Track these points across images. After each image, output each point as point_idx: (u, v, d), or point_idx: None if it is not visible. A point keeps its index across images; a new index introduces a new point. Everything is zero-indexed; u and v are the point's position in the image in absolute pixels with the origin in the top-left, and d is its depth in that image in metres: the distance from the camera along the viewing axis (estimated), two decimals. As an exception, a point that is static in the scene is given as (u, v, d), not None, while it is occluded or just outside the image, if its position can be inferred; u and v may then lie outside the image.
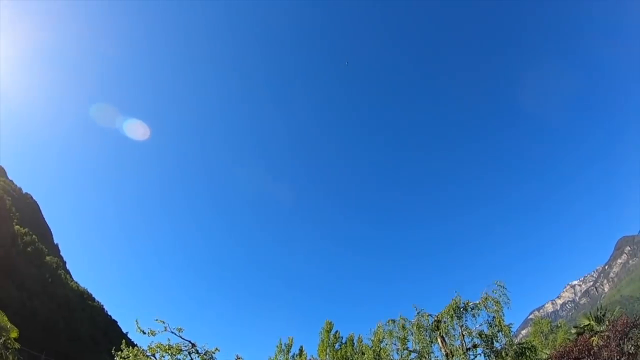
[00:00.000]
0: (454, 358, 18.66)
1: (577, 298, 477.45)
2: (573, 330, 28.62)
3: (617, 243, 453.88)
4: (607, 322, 17.92)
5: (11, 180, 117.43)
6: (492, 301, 19.18)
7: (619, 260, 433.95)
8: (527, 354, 20.91)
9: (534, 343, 25.19)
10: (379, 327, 20.64)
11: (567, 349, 16.16)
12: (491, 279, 19.70)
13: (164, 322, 17.35)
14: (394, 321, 20.15)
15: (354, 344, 30.88)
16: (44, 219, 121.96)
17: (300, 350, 33.10)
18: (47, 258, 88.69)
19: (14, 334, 20.77)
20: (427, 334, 19.11)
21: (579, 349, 15.49)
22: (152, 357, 18.59)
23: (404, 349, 19.41)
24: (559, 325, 38.45)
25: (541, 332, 32.26)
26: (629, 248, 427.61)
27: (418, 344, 18.90)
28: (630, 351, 14.64)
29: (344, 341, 32.19)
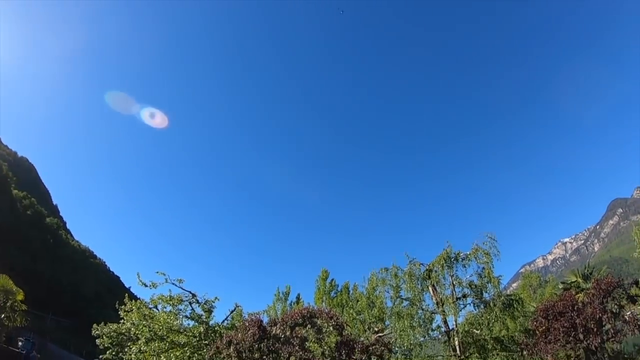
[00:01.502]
0: (444, 306, 19.31)
1: (567, 255, 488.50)
2: (560, 286, 29.54)
3: (610, 204, 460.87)
4: (593, 280, 18.43)
5: (5, 145, 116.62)
6: (482, 253, 19.62)
7: (611, 222, 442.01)
8: (515, 305, 21.71)
9: (521, 295, 26.19)
10: (372, 275, 21.14)
11: (552, 303, 16.73)
12: (482, 232, 19.99)
13: (164, 274, 17.88)
14: (387, 269, 20.64)
15: (349, 291, 31.66)
16: (41, 181, 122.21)
17: (298, 298, 34.10)
18: (47, 220, 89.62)
19: (20, 296, 21.34)
20: (418, 282, 19.65)
21: (563, 304, 16.01)
22: (155, 309, 19.36)
23: (396, 297, 20.03)
24: (548, 280, 39.76)
25: (530, 286, 33.30)
26: (621, 210, 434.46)
27: (410, 292, 19.47)
28: (614, 310, 15.08)
29: (339, 289, 32.94)
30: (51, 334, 52.04)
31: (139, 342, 17.88)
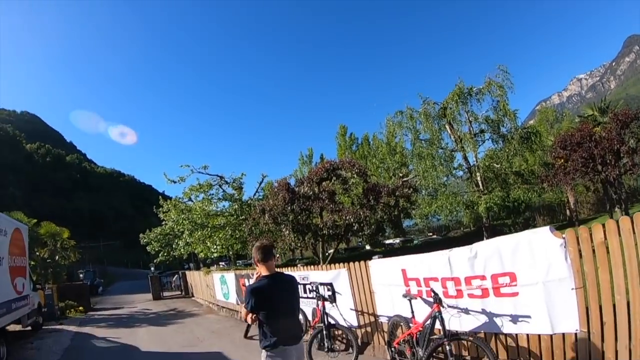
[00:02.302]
0: (463, 143, 19.56)
1: (583, 92, 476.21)
2: (577, 120, 29.19)
3: (626, 41, 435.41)
4: (610, 113, 17.78)
5: (2, 108, 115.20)
6: (496, 86, 19.19)
7: (627, 59, 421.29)
8: (533, 138, 21.85)
9: (539, 129, 26.04)
10: (388, 120, 21.11)
11: (570, 134, 16.45)
12: (494, 66, 19.24)
13: (189, 166, 18.24)
14: (401, 112, 20.54)
15: (369, 142, 31.62)
16: (49, 126, 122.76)
17: (321, 158, 34.10)
18: (67, 158, 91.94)
19: (66, 234, 22.32)
20: (435, 122, 19.60)
21: (581, 134, 15.65)
22: (189, 201, 20.18)
23: (415, 139, 20.14)
24: (564, 114, 39.28)
25: (547, 121, 32.95)
26: (638, 47, 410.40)
27: (427, 132, 19.58)
28: (631, 145, 14.63)
29: (359, 142, 33.06)
30: (107, 258, 56.61)
31: (184, 235, 18.99)
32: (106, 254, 59.52)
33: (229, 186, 18.33)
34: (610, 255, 3.58)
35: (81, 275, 34.60)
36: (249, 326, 9.46)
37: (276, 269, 3.52)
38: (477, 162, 19.78)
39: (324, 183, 14.06)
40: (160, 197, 22.10)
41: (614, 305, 3.65)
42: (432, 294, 4.50)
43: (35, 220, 21.24)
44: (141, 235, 21.88)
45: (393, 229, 16.54)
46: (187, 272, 22.51)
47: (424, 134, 19.74)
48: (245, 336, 9.42)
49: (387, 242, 18.64)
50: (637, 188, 26.98)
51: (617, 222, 3.49)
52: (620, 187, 16.49)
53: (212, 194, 18.52)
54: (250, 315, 3.30)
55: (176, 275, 23.64)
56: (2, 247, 8.22)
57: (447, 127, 20.05)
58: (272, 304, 3.29)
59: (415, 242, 25.94)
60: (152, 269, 26.83)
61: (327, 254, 14.52)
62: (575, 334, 3.88)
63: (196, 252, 19.57)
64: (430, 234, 25.80)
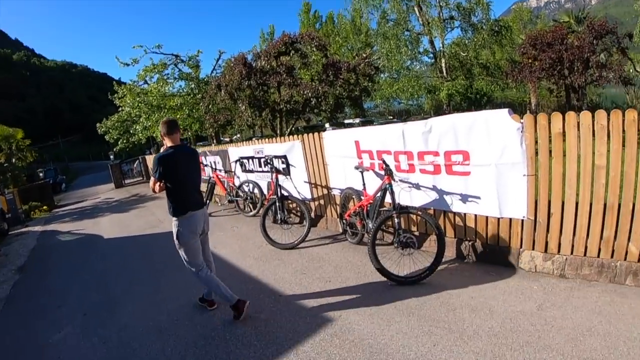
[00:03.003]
0: (430, 27, 18.95)
1: (562, 1, 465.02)
2: (552, 23, 28.43)
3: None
4: (586, 24, 17.00)
5: None
6: (470, -31, 18.20)
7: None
8: (503, 32, 21.30)
9: (510, 24, 25.38)
10: None
11: (542, 33, 15.85)
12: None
13: (142, 46, 17.11)
14: None
15: (334, 21, 30.15)
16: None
17: (300, 33, 32.95)
18: (14, 57, 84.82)
19: (20, 135, 21.01)
20: (403, 2, 18.78)
21: (553, 35, 15.03)
22: (145, 84, 19.25)
23: (382, 19, 19.35)
24: (539, 17, 38.40)
25: (520, 20, 32.17)
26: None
27: (394, 12, 18.80)
28: (601, 60, 14.14)
29: (324, 20, 31.70)
30: (68, 154, 55.23)
31: (141, 119, 18.41)
32: (67, 150, 57.92)
33: (185, 65, 17.45)
34: (566, 148, 3.50)
35: (41, 175, 33.82)
36: (206, 203, 9.66)
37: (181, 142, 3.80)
38: (443, 48, 19.35)
39: (282, 57, 13.48)
40: (114, 83, 20.97)
41: (563, 199, 3.64)
42: (384, 166, 4.36)
43: (-15, 127, 19.97)
44: (98, 124, 21.13)
45: (353, 108, 16.44)
46: (147, 157, 22.21)
47: (392, 14, 18.80)
48: None
49: (347, 121, 18.64)
50: (598, 103, 27.51)
51: (579, 115, 3.38)
52: (583, 97, 16.56)
53: (168, 74, 17.68)
54: (158, 183, 3.59)
55: (137, 161, 23.32)
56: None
57: (415, 9, 19.14)
58: (178, 173, 3.61)
59: (375, 123, 25.39)
60: (112, 157, 26.34)
61: (284, 130, 14.40)
62: (522, 220, 3.91)
63: (154, 135, 19.17)
64: (391, 117, 25.89)
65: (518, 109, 30.11)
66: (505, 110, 3.74)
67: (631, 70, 18.12)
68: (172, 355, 3.32)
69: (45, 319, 4.62)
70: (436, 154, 4.31)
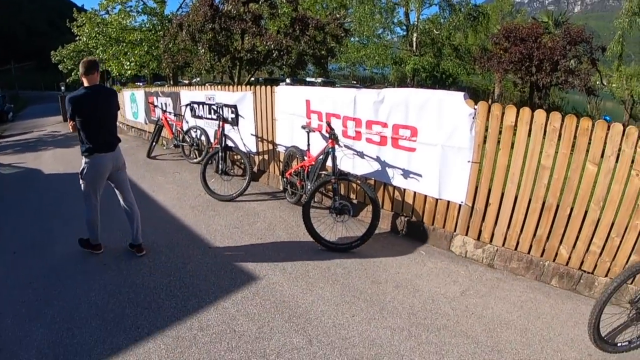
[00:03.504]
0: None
1: (546, 1, 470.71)
2: (530, 20, 28.79)
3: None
4: (563, 29, 17.18)
5: None
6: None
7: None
8: (480, 19, 21.47)
9: (489, 12, 25.52)
10: None
11: (518, 27, 15.93)
12: None
13: None
14: None
15: None
16: None
17: None
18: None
19: None
20: None
21: (527, 31, 15.13)
22: (106, 15, 18.20)
23: None
24: (520, 11, 38.74)
25: (500, 10, 32.40)
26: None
27: None
28: (570, 65, 14.31)
29: None
30: (20, 82, 51.73)
31: (97, 51, 17.54)
32: (19, 77, 53.97)
33: (150, -1, 16.54)
34: (515, 143, 3.46)
35: (85, 84, 31.63)
36: (151, 146, 9.40)
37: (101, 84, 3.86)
38: (417, 22, 19.29)
39: (251, 5, 13.04)
40: (75, 10, 19.63)
41: (503, 191, 3.63)
42: (329, 130, 4.28)
43: None
44: (52, 52, 20.00)
45: (317, 67, 16.26)
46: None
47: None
48: (148, 156, 9.25)
49: (308, 79, 18.48)
50: (560, 106, 28.39)
51: (533, 113, 3.34)
52: (546, 97, 16.95)
53: (132, 6, 16.76)
54: (71, 122, 3.64)
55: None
56: None
57: (397, -23, 18.86)
58: (89, 113, 3.59)
59: (337, 86, 25.47)
60: (63, 89, 24.98)
61: (243, 80, 14.11)
62: (460, 205, 3.89)
63: (109, 69, 18.33)
64: (355, 82, 25.89)
65: (481, 96, 30.81)
66: (460, 94, 3.70)
67: (597, 82, 18.82)
68: (97, 299, 3.27)
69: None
70: (385, 125, 4.27)
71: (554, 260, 3.42)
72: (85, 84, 3.62)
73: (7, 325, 2.99)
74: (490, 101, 23.50)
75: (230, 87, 7.29)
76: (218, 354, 2.61)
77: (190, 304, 3.17)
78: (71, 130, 3.71)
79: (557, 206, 3.33)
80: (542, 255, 3.49)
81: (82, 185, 3.86)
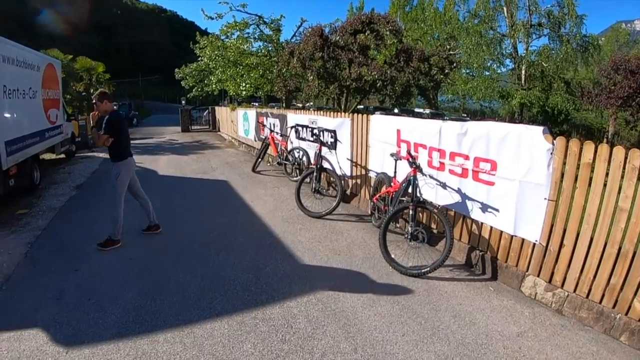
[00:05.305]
0: (516, 30, 18.24)
1: None
2: None
3: None
4: None
5: None
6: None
7: None
8: (591, 50, 20.20)
9: (601, 43, 23.63)
10: None
11: (627, 58, 14.74)
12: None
13: (227, 3, 17.70)
14: None
15: (423, 9, 30.05)
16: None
17: (372, 12, 32.63)
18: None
19: (101, 68, 22.92)
20: (491, 0, 18.22)
21: (638, 63, 14.06)
22: (226, 39, 20.18)
23: (469, 14, 18.85)
24: (637, 41, 35.31)
25: (616, 41, 29.83)
26: None
27: (481, 8, 18.30)
28: None
29: (414, 4, 31.32)
30: (145, 93, 58.75)
31: (216, 72, 19.47)
32: (145, 88, 61.56)
33: (267, 27, 18.08)
34: (592, 181, 3.29)
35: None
36: (257, 161, 10.27)
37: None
38: (526, 54, 18.62)
39: (359, 35, 13.85)
40: (198, 33, 22.09)
41: (578, 232, 3.42)
42: (410, 159, 4.52)
43: (71, 56, 21.83)
44: (176, 70, 22.20)
45: (423, 98, 16.36)
46: (216, 108, 23.46)
47: (479, 10, 18.28)
48: (253, 170, 10.14)
49: (417, 110, 18.58)
50: None
51: (611, 150, 3.12)
52: None
53: (249, 33, 18.40)
54: (106, 137, 4.77)
55: (207, 110, 24.81)
56: (35, 81, 8.49)
57: (504, 8, 18.48)
58: (122, 129, 4.97)
59: (446, 118, 24.70)
60: (184, 102, 28.00)
61: (349, 107, 14.83)
62: (534, 244, 3.79)
63: (227, 89, 20.23)
64: (465, 115, 25.35)
65: (596, 135, 28.45)
66: (540, 128, 3.63)
67: None
68: (183, 281, 4.08)
69: (88, 230, 5.58)
70: (467, 157, 4.35)
71: (626, 313, 3.09)
72: (110, 109, 4.93)
73: (105, 288, 3.90)
74: (605, 141, 21.89)
75: (331, 112, 7.88)
76: (271, 342, 3.01)
77: (260, 299, 3.67)
78: (107, 144, 4.82)
79: (634, 253, 3.03)
80: (614, 307, 3.19)
81: (117, 188, 4.90)
